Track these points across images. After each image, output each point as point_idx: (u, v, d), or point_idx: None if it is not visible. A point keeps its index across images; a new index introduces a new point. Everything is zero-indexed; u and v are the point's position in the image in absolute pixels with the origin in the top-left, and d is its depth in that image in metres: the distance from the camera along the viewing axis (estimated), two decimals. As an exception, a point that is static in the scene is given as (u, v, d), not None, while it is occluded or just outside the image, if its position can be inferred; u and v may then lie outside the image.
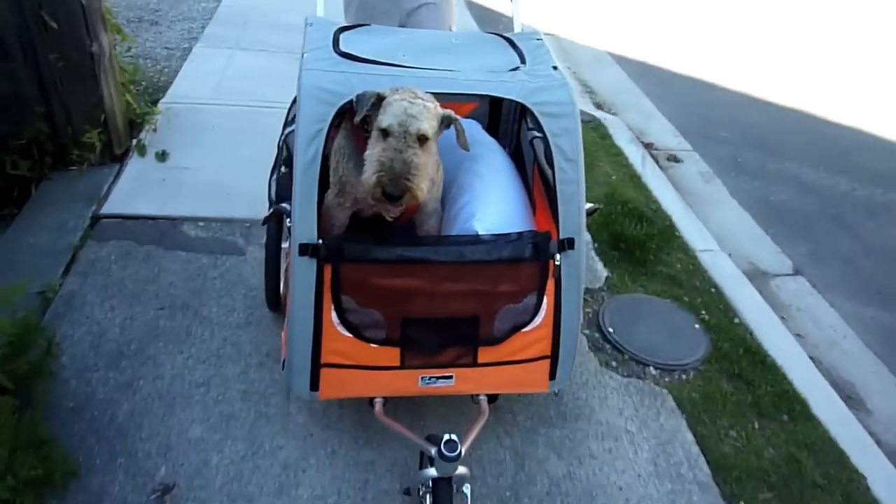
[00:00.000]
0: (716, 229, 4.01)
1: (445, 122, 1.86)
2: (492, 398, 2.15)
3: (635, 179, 4.27)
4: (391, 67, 1.94)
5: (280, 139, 2.35)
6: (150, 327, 2.64)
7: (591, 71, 6.19)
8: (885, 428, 2.90)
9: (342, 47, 2.03)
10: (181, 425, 2.27)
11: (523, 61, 2.08)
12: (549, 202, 2.03)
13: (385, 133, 1.76)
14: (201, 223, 3.24)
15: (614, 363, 2.82)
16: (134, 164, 3.60)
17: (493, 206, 2.06)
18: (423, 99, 1.79)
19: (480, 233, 1.93)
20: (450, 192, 2.24)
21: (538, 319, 1.97)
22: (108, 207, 3.25)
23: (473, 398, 2.12)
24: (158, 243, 3.08)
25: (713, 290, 3.38)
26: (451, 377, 1.98)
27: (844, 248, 4.15)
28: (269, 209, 2.17)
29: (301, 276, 1.82)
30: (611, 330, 2.95)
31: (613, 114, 5.37)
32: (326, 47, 2.02)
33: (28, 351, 2.24)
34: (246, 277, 2.94)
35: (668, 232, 3.74)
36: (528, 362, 2.02)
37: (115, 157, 3.62)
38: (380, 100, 1.79)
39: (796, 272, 3.85)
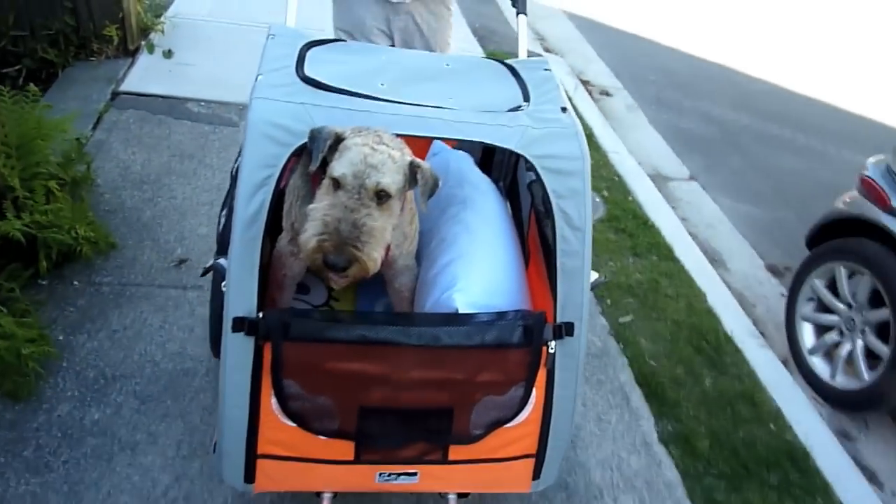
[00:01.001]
0: (630, 146, 4.82)
1: (412, 173, 1.50)
2: (463, 494, 1.83)
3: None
4: (364, 100, 1.57)
5: (233, 166, 2.02)
6: (164, 167, 3.37)
7: (543, 22, 6.94)
8: (737, 279, 3.76)
9: (307, 70, 1.63)
10: (192, 227, 3.02)
11: (526, 98, 1.71)
12: (547, 267, 1.72)
13: (337, 184, 1.42)
14: (202, 103, 3.95)
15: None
16: (144, 59, 4.28)
17: (479, 270, 1.71)
18: (388, 145, 1.45)
19: (461, 309, 1.57)
20: (430, 245, 1.88)
21: (524, 414, 1.63)
22: (125, 86, 3.95)
23: (441, 494, 1.82)
24: (168, 114, 3.79)
25: (616, 178, 4.22)
26: (415, 474, 1.67)
27: (734, 163, 5.03)
28: (216, 253, 1.78)
29: (235, 355, 1.48)
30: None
31: (559, 56, 6.16)
32: (287, 69, 1.62)
33: (76, 165, 2.95)
34: (239, 141, 3.69)
35: (588, 139, 4.55)
36: (509, 461, 1.69)
37: (128, 51, 4.29)
38: (338, 141, 1.45)
39: (691, 178, 4.70)
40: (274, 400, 1.52)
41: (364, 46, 2.12)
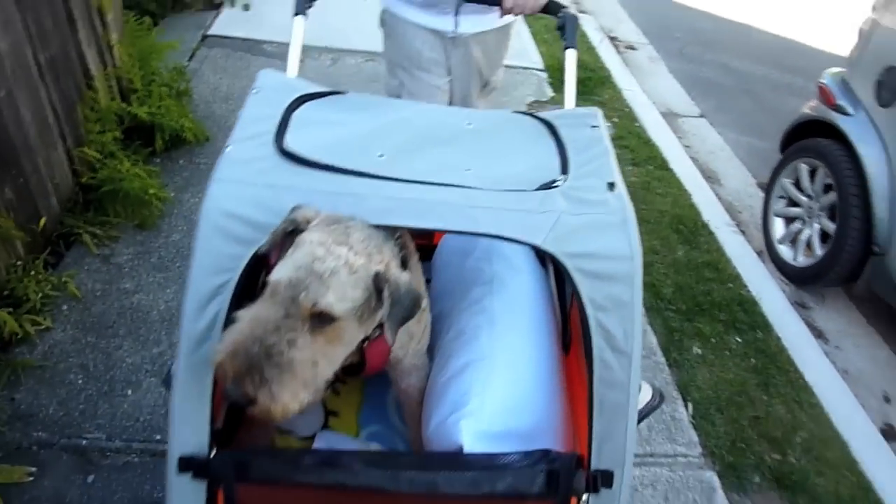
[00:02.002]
0: (646, 89, 5.38)
1: (378, 283, 1.11)
2: None
3: (591, 50, 5.67)
4: (354, 179, 1.24)
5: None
6: (245, 89, 4.13)
7: (577, -14, 7.54)
8: (727, 192, 4.29)
9: (290, 137, 1.33)
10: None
11: (565, 168, 1.37)
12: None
13: (272, 292, 1.07)
14: (275, 44, 4.72)
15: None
16: (226, 11, 5.11)
17: (498, 384, 1.38)
18: (351, 247, 1.08)
19: (467, 445, 1.25)
20: (446, 335, 1.59)
21: None
22: (212, 31, 4.79)
23: None
24: (248, 51, 4.59)
25: (627, 109, 4.80)
26: None
27: (744, 105, 5.50)
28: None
29: (181, 499, 1.17)
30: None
31: (590, 15, 6.73)
32: (264, 137, 1.32)
33: (179, 80, 3.76)
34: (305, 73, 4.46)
35: (604, 80, 5.16)
36: None
37: (213, 6, 5.13)
38: (296, 231, 1.13)
39: (700, 115, 5.22)
40: None
41: (367, 101, 1.65)
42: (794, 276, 3.53)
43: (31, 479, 1.97)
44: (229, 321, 1.11)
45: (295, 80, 1.66)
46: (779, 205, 3.73)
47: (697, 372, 2.75)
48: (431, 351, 1.58)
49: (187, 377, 1.16)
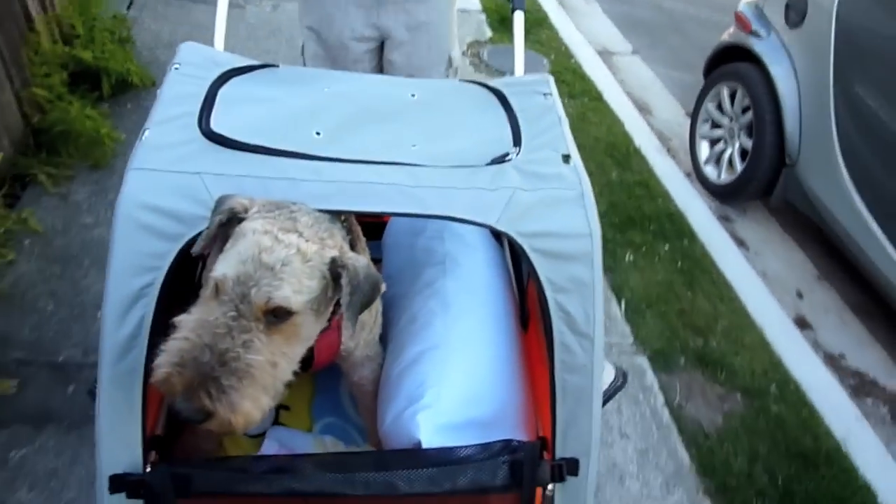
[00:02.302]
0: (581, 28, 5.57)
1: (334, 269, 1.04)
2: None
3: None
4: (288, 161, 1.14)
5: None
6: (186, 35, 4.05)
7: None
8: (658, 122, 4.54)
9: (216, 117, 1.22)
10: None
11: (517, 140, 1.29)
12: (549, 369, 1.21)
13: (217, 290, 0.98)
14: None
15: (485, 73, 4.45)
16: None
17: (455, 371, 1.31)
18: (298, 232, 1.00)
19: (425, 440, 1.18)
20: (398, 322, 1.50)
21: None
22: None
23: None
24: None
25: (562, 47, 5.00)
26: None
27: (674, 42, 5.75)
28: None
29: None
30: (489, 61, 4.55)
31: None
32: (187, 117, 1.20)
33: (120, 27, 3.78)
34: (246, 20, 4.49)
35: (541, 21, 5.33)
36: None
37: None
38: (235, 220, 1.03)
39: (633, 52, 5.46)
40: None
41: (300, 73, 1.55)
42: (718, 193, 3.82)
43: (14, 390, 2.10)
44: (163, 327, 1.01)
45: (221, 53, 1.53)
46: (704, 128, 4.00)
47: (629, 275, 3.01)
48: (384, 339, 1.48)
49: (113, 389, 1.05)
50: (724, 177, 3.78)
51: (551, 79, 1.50)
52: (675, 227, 3.37)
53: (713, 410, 2.50)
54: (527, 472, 1.11)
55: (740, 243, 3.55)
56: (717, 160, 3.90)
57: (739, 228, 3.69)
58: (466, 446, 1.13)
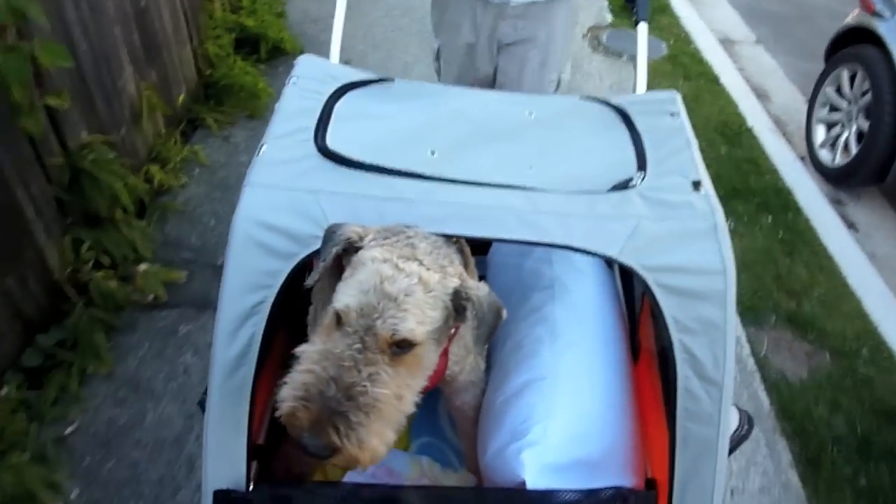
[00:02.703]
0: (705, 18, 5.61)
1: (458, 306, 1.01)
2: None
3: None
4: (404, 181, 1.13)
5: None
6: (331, 10, 4.70)
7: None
8: (776, 107, 4.56)
9: (332, 134, 1.21)
10: (352, 44, 4.28)
11: (642, 164, 1.22)
12: (665, 407, 1.19)
13: (339, 319, 0.96)
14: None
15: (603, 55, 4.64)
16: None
17: (563, 407, 1.24)
18: (421, 261, 0.98)
19: (530, 480, 1.12)
20: (503, 347, 1.45)
21: None
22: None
23: None
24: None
25: (683, 34, 5.08)
26: None
27: (800, 33, 5.65)
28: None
29: None
30: (608, 44, 4.74)
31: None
32: (303, 133, 1.20)
33: (277, 4, 4.27)
34: None
35: (663, 7, 5.43)
36: None
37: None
38: (352, 249, 1.02)
39: (757, 42, 5.43)
40: None
41: (415, 88, 1.50)
42: (831, 177, 3.81)
43: (184, 280, 2.56)
44: (268, 345, 1.05)
45: (337, 66, 1.52)
46: (821, 112, 3.99)
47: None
48: (487, 364, 1.44)
49: (221, 407, 1.06)
50: (839, 160, 3.77)
51: (679, 96, 1.40)
52: (781, 201, 3.43)
53: (799, 364, 2.59)
54: None
55: (850, 225, 3.54)
56: (833, 144, 3.88)
57: (851, 212, 3.67)
58: (573, 490, 1.06)
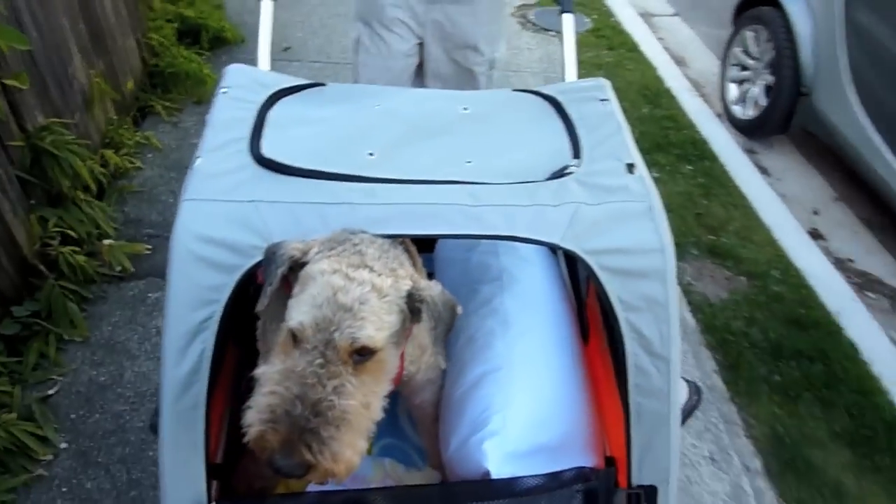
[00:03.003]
0: (625, -6, 5.95)
1: (412, 303, 1.03)
2: None
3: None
4: (344, 185, 1.12)
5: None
6: None
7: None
8: (693, 71, 4.89)
9: (266, 141, 1.21)
10: (292, 32, 4.43)
11: (577, 152, 1.24)
12: (616, 367, 1.22)
13: (295, 338, 0.97)
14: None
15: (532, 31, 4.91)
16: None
17: (520, 394, 1.27)
18: (371, 268, 0.99)
19: (494, 469, 1.15)
20: (456, 342, 1.46)
21: None
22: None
23: None
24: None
25: (605, 9, 5.41)
26: None
27: (714, 3, 6.04)
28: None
29: None
30: (537, 21, 5.00)
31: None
32: (238, 143, 1.20)
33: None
34: None
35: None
36: None
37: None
38: (298, 266, 1.02)
39: (675, 14, 5.80)
40: None
41: (348, 91, 1.53)
42: (744, 129, 4.15)
43: (148, 252, 2.70)
44: (220, 362, 1.03)
45: (267, 73, 1.52)
46: (732, 72, 4.33)
47: (653, 188, 3.42)
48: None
49: (176, 428, 1.05)
50: (750, 113, 4.12)
51: (608, 83, 1.44)
52: (699, 151, 3.75)
53: (719, 288, 2.90)
54: (602, 502, 1.08)
55: (763, 171, 3.89)
56: (744, 100, 4.23)
57: (764, 159, 4.02)
58: (537, 476, 1.09)
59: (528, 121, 1.40)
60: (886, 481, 2.20)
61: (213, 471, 1.10)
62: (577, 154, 1.23)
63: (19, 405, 2.10)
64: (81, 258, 2.50)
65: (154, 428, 1.09)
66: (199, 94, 3.63)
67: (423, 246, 1.43)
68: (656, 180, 3.48)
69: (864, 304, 2.94)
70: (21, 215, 2.37)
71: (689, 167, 3.63)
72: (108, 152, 2.98)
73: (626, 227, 1.09)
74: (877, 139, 3.28)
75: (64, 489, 1.97)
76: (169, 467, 1.05)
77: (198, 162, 1.14)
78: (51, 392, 2.21)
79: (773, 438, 2.30)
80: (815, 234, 3.45)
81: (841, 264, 3.26)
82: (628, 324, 1.07)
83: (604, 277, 1.07)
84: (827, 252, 3.31)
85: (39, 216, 2.45)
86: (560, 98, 1.43)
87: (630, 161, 1.18)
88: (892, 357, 2.67)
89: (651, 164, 3.57)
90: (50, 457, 2.03)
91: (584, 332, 1.56)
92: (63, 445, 2.07)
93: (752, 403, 2.41)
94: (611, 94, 1.40)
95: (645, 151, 3.71)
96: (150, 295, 2.57)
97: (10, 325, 2.26)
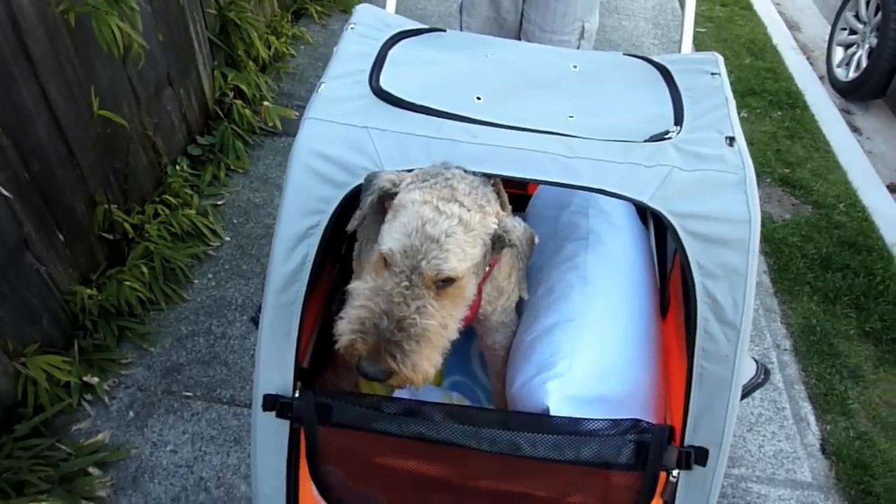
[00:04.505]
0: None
1: (501, 242, 1.12)
2: None
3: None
4: (450, 123, 1.18)
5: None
6: None
7: None
8: (804, 36, 5.03)
9: (385, 76, 1.29)
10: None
11: (679, 119, 1.26)
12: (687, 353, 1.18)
13: (385, 261, 1.06)
14: None
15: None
16: None
17: (589, 346, 1.31)
18: (461, 202, 1.05)
19: (553, 408, 1.20)
20: (535, 291, 1.51)
21: None
22: None
23: None
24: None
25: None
26: None
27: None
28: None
29: (266, 435, 1.22)
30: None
31: None
32: (359, 75, 1.28)
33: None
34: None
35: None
36: None
37: None
38: (389, 195, 1.10)
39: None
40: (314, 489, 1.24)
41: (465, 38, 1.62)
42: (843, 90, 4.32)
43: (296, 117, 3.29)
44: (321, 267, 1.15)
45: (392, 16, 1.60)
46: (841, 35, 4.48)
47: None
48: (519, 307, 1.52)
49: (274, 319, 1.16)
50: (851, 75, 4.27)
51: (720, 58, 1.45)
52: (792, 100, 3.98)
53: (784, 211, 3.19)
54: (653, 454, 1.10)
55: (855, 129, 4.07)
56: (849, 63, 4.38)
57: (857, 119, 4.19)
58: (595, 419, 1.12)
59: (634, 85, 1.42)
60: (902, 374, 2.50)
61: (300, 373, 1.20)
62: (678, 121, 1.24)
63: (198, 205, 2.73)
64: (248, 111, 3.12)
65: (255, 321, 1.23)
66: (345, 4, 4.20)
67: (516, 205, 1.49)
68: (744, 121, 3.79)
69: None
70: (208, 70, 2.99)
71: (779, 112, 3.87)
72: (272, 37, 3.59)
73: (717, 195, 1.10)
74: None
75: (227, 266, 2.59)
76: (264, 354, 1.17)
77: (322, 87, 1.24)
78: (219, 202, 2.84)
79: (806, 327, 2.63)
80: (893, 189, 3.64)
81: (912, 214, 3.46)
82: (704, 289, 1.09)
83: (686, 240, 1.09)
84: (901, 204, 3.51)
85: (221, 72, 3.07)
86: (670, 67, 1.45)
87: (731, 135, 1.18)
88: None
89: (742, 107, 3.86)
90: (217, 243, 2.66)
91: (663, 306, 1.59)
92: (227, 238, 2.70)
93: (793, 300, 2.74)
94: (722, 68, 1.41)
95: (738, 94, 3.99)
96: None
97: (195, 148, 2.91)
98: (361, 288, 1.05)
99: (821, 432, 2.30)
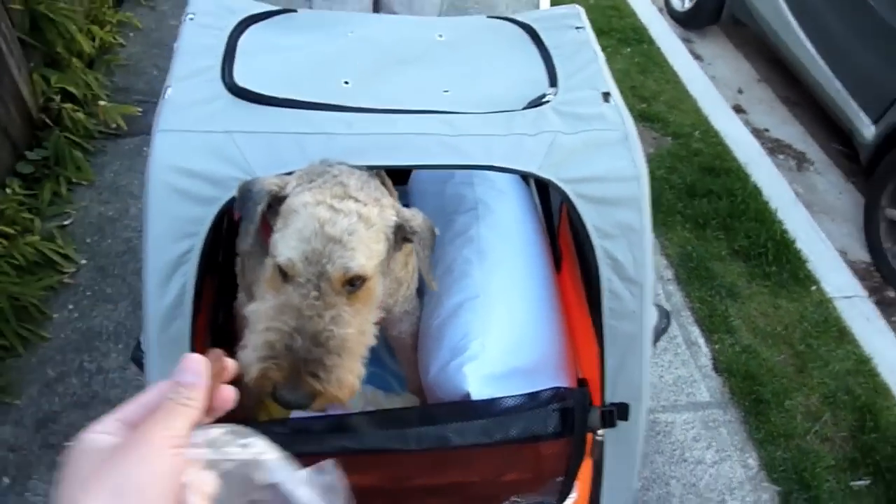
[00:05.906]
0: None
1: (402, 233, 1.06)
2: None
3: None
4: (320, 114, 1.10)
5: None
6: None
7: None
8: None
9: (238, 69, 1.17)
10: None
11: (553, 80, 1.24)
12: (591, 314, 1.23)
13: (284, 273, 0.95)
14: None
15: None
16: None
17: (497, 321, 1.30)
18: (352, 197, 0.97)
19: (474, 392, 1.18)
20: (433, 273, 1.33)
21: None
22: None
23: None
24: None
25: None
26: None
27: None
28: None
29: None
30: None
31: None
32: (209, 72, 1.16)
33: None
34: None
35: None
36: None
37: None
38: (276, 200, 1.00)
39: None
40: None
41: (320, 17, 1.51)
42: (681, 20, 4.52)
43: (140, 113, 3.00)
44: (201, 294, 1.04)
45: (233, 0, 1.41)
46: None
47: (594, 65, 3.79)
48: (420, 290, 1.45)
49: (161, 360, 1.05)
50: (687, 4, 4.48)
51: (582, 11, 1.43)
52: (638, 36, 4.12)
53: (647, 146, 3.32)
54: (578, 419, 1.10)
55: (697, 57, 4.28)
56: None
57: (697, 47, 4.41)
58: (515, 396, 1.11)
59: (504, 49, 1.39)
60: (773, 284, 2.69)
61: None
62: (553, 82, 1.23)
63: (40, 230, 2.44)
64: (81, 115, 2.80)
65: (137, 361, 1.12)
66: None
67: (397, 178, 1.42)
68: (597, 59, 3.89)
69: (773, 163, 3.40)
70: (24, 74, 2.64)
71: (629, 49, 4.00)
72: (94, 28, 3.22)
73: (602, 155, 1.10)
74: (794, 23, 3.68)
75: (88, 293, 2.34)
76: None
77: (169, 92, 1.11)
78: (66, 222, 2.55)
79: (683, 255, 2.77)
80: (738, 109, 3.89)
81: (757, 133, 3.72)
82: (603, 250, 1.10)
83: (580, 206, 1.08)
84: (746, 123, 3.75)
85: (41, 75, 2.72)
86: (535, 26, 1.41)
87: (605, 90, 1.19)
88: (791, 198, 3.15)
89: (594, 46, 3.93)
90: (73, 269, 2.39)
91: (556, 260, 1.60)
92: (83, 261, 2.43)
93: (669, 231, 2.87)
94: (585, 21, 1.40)
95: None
96: (145, 149, 2.87)
97: (25, 165, 2.57)
98: (263, 308, 0.94)
99: (711, 352, 2.44)
